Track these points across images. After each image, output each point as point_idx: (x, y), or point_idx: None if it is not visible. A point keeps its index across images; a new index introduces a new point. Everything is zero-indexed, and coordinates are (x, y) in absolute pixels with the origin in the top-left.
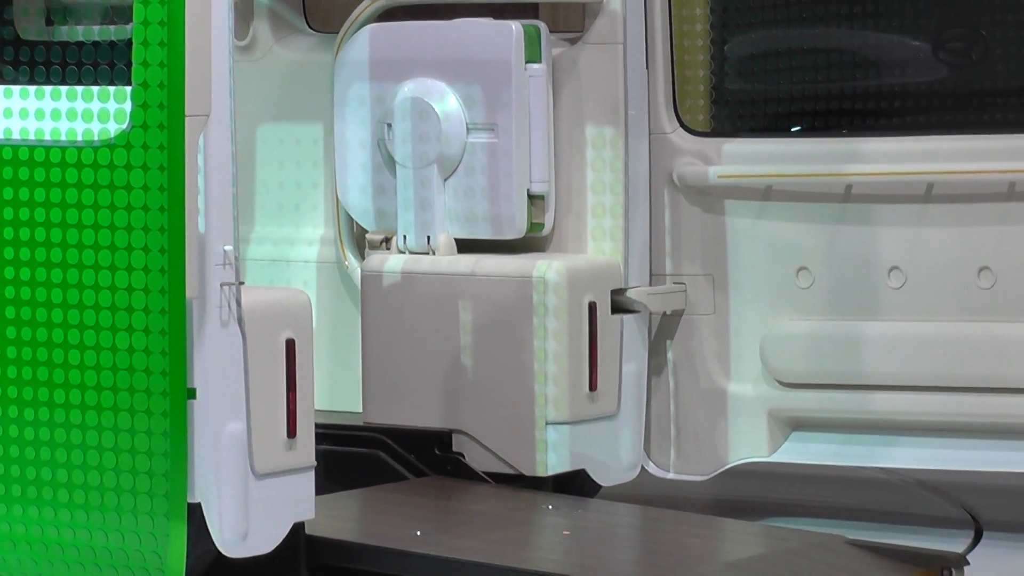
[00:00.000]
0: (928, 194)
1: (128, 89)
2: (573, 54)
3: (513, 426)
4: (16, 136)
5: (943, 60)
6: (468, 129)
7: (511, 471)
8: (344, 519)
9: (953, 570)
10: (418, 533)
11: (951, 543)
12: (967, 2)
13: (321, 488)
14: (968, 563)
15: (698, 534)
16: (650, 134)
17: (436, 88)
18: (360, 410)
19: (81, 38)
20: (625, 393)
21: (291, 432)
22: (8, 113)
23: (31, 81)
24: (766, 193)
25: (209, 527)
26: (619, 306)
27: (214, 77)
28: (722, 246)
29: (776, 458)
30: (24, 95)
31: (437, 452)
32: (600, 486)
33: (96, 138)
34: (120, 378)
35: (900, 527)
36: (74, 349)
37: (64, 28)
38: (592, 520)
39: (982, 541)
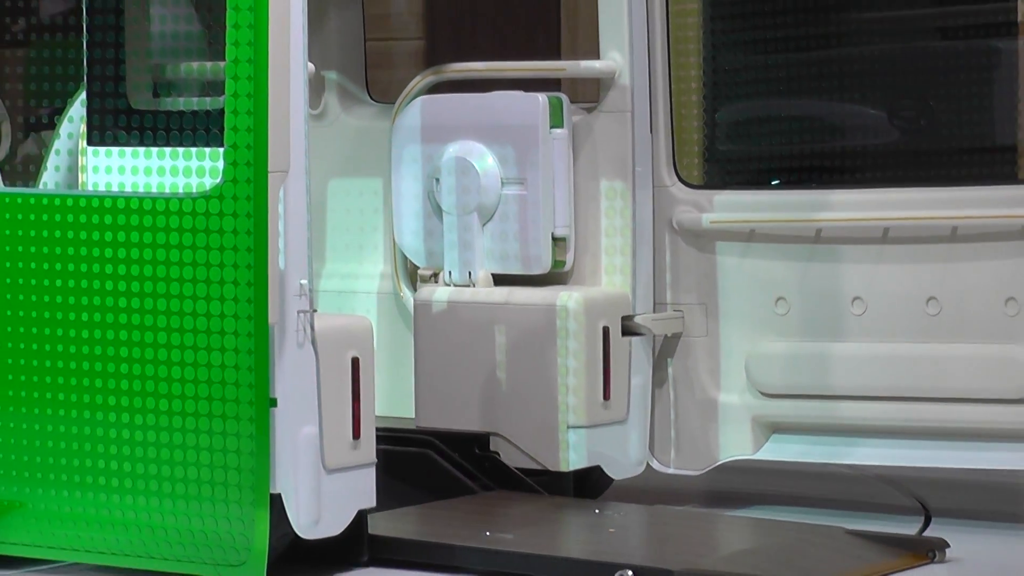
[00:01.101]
0: (884, 237)
1: (221, 150)
2: (589, 120)
3: (540, 429)
4: (129, 189)
5: (896, 125)
6: (503, 183)
7: (538, 467)
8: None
9: (936, 552)
10: (487, 533)
11: (906, 527)
12: (917, 77)
13: (380, 481)
14: (949, 545)
15: (720, 530)
16: (653, 187)
17: (476, 149)
18: (413, 416)
19: (182, 108)
20: (633, 402)
21: (356, 434)
22: (122, 170)
23: (141, 143)
24: (750, 236)
25: (288, 514)
26: (628, 330)
27: (292, 140)
28: (713, 280)
29: (758, 456)
30: (135, 155)
31: (477, 451)
32: (612, 479)
33: (195, 191)
34: (214, 390)
35: (862, 514)
36: (176, 366)
37: (168, 99)
38: (635, 521)
39: (931, 525)
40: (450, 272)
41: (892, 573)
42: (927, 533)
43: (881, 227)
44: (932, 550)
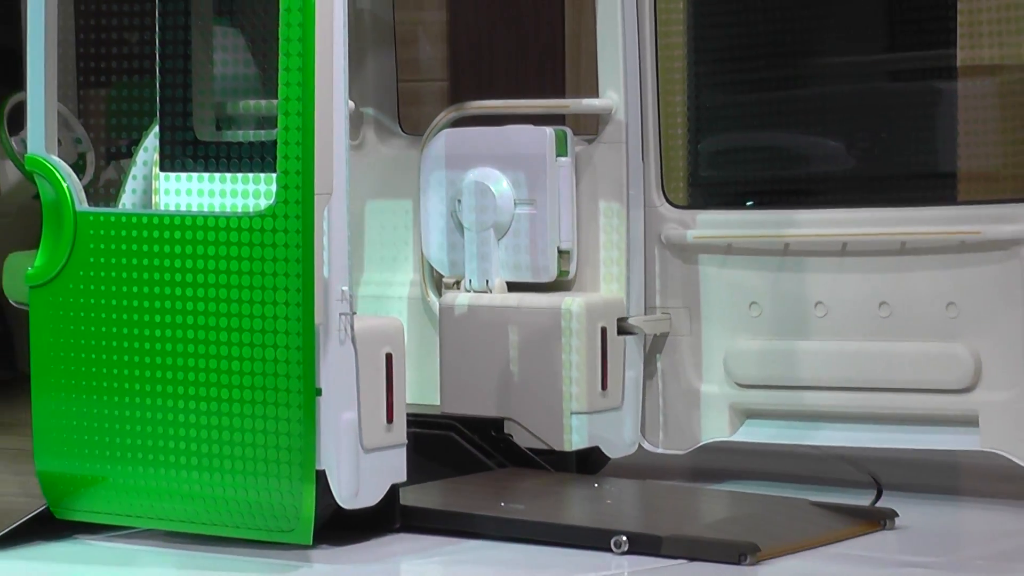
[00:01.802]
0: (843, 250)
1: (274, 175)
2: (590, 150)
3: (547, 414)
4: (195, 209)
5: (853, 154)
6: (515, 204)
7: (545, 447)
8: (431, 491)
9: (887, 520)
10: (502, 503)
11: (861, 499)
12: (870, 113)
13: (410, 459)
14: (898, 515)
15: (702, 501)
16: (645, 207)
17: (493, 174)
18: (439, 403)
19: (241, 139)
20: (627, 391)
21: (389, 419)
22: (189, 192)
23: (206, 169)
24: (727, 249)
25: (331, 487)
26: (623, 329)
27: (335, 166)
28: (696, 287)
29: (735, 438)
30: (201, 179)
31: (493, 433)
32: (609, 458)
33: (252, 210)
34: (268, 381)
35: (824, 487)
36: (235, 360)
37: (229, 132)
38: (629, 494)
39: (882, 497)
40: (470, 280)
41: (849, 539)
42: (879, 504)
43: (840, 242)
44: (883, 519)
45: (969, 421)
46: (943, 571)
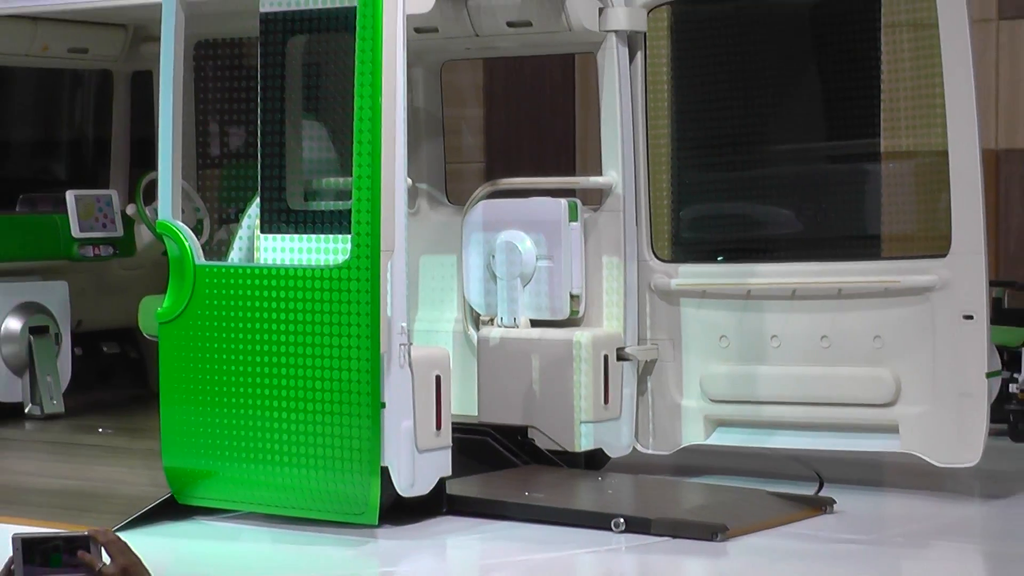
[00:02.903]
0: (792, 295)
1: (349, 236)
2: (595, 217)
3: (562, 423)
4: (287, 262)
5: (800, 221)
6: (537, 259)
7: (560, 449)
8: (471, 483)
9: (827, 506)
10: (527, 493)
11: (806, 490)
12: (813, 189)
13: (454, 458)
14: (835, 502)
15: (683, 491)
16: (638, 261)
17: (519, 236)
18: (477, 414)
19: (323, 208)
20: (624, 405)
21: (438, 426)
22: (283, 250)
23: (296, 232)
24: (703, 294)
25: (393, 480)
26: (621, 356)
27: (396, 230)
28: (678, 323)
29: (708, 442)
30: (292, 239)
31: (519, 438)
32: (610, 457)
33: (331, 263)
34: (344, 396)
35: (777, 480)
36: (319, 380)
37: (314, 202)
38: (626, 485)
39: (824, 488)
40: (502, 318)
41: (797, 521)
42: (821, 494)
43: (790, 288)
44: (825, 505)
45: (891, 429)
46: (871, 546)
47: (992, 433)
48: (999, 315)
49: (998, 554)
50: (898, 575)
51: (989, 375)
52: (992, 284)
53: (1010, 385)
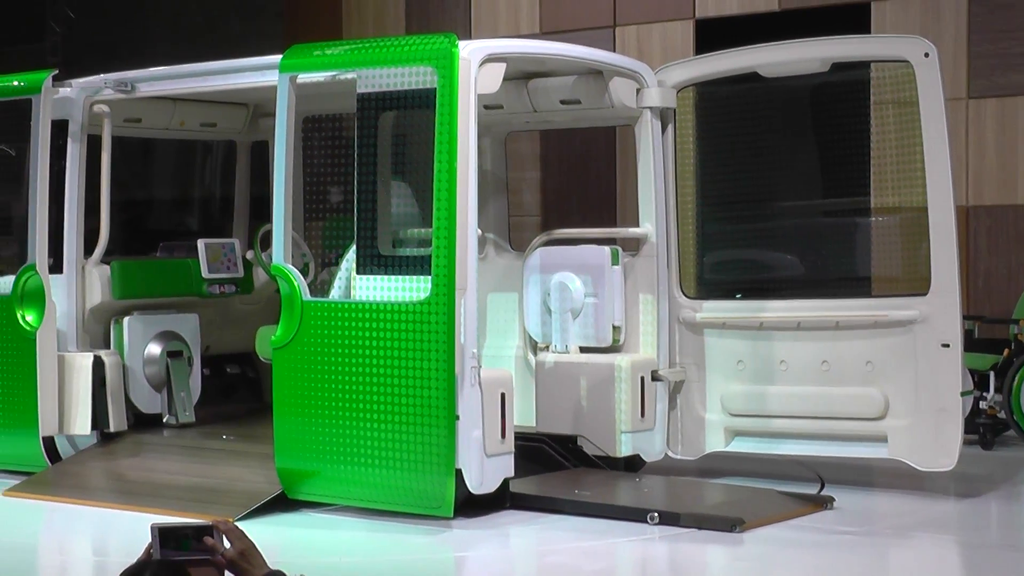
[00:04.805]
0: (798, 327)
1: (429, 276)
2: (633, 262)
3: (606, 432)
4: (378, 299)
5: (804, 265)
6: (585, 296)
7: (604, 454)
8: (530, 483)
9: (828, 503)
10: (576, 491)
11: (810, 489)
12: (814, 238)
13: (516, 462)
14: (835, 499)
15: (707, 490)
16: (669, 298)
17: (570, 277)
18: (535, 425)
19: (409, 254)
20: (658, 417)
21: (503, 435)
22: (376, 288)
23: (386, 273)
24: (723, 325)
25: (465, 479)
26: (655, 377)
27: (468, 272)
28: (702, 350)
29: (728, 449)
30: (383, 280)
31: (570, 445)
32: (645, 462)
33: (415, 300)
34: (425, 410)
35: (785, 481)
36: (406, 396)
37: (401, 249)
38: (659, 485)
39: (825, 488)
40: (556, 345)
41: (802, 515)
42: (823, 493)
43: (796, 321)
44: (825, 502)
45: (881, 438)
46: (864, 537)
47: (965, 442)
48: (971, 344)
49: (970, 543)
50: (887, 561)
51: (963, 394)
52: (965, 318)
53: (980, 402)
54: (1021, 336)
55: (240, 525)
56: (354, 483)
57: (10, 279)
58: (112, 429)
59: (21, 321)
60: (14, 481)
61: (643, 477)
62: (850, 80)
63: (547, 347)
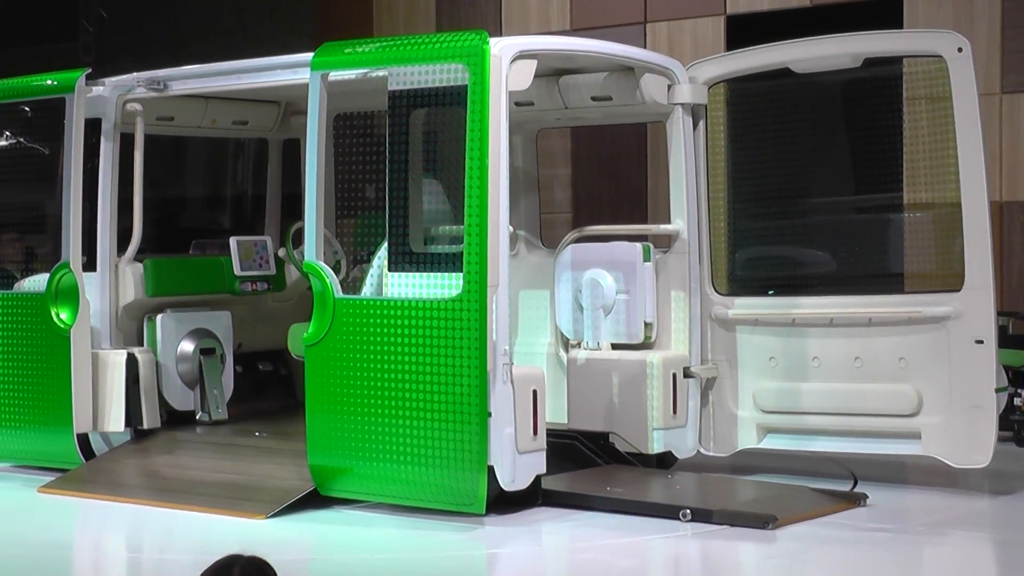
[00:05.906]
0: (831, 323)
1: (461, 274)
2: (665, 258)
3: (638, 429)
4: (411, 296)
5: (836, 261)
6: (616, 292)
7: (636, 451)
8: (562, 479)
9: (861, 500)
10: (608, 488)
11: (843, 486)
12: (845, 233)
13: (548, 458)
14: (868, 496)
15: (739, 487)
16: (701, 294)
17: (602, 274)
18: (567, 422)
19: (440, 251)
20: (690, 414)
21: (535, 432)
22: (408, 285)
23: (418, 270)
24: (755, 322)
25: (497, 476)
26: (687, 374)
27: (500, 269)
28: (734, 347)
29: (760, 446)
30: (415, 276)
31: (602, 442)
32: (678, 458)
33: (447, 297)
34: (457, 407)
35: (818, 478)
36: (439, 393)
37: (433, 246)
38: (691, 482)
39: (858, 485)
40: (587, 342)
41: (835, 512)
42: (856, 490)
43: (828, 317)
44: (858, 499)
45: (914, 435)
46: (897, 534)
47: (1000, 439)
48: (1005, 340)
49: (1004, 541)
50: (920, 559)
51: (997, 390)
52: (999, 314)
53: (1015, 399)
54: None
55: (272, 521)
56: (386, 480)
57: (44, 277)
58: (145, 426)
59: (55, 319)
60: (49, 478)
61: (675, 474)
62: (882, 76)
63: (579, 344)
